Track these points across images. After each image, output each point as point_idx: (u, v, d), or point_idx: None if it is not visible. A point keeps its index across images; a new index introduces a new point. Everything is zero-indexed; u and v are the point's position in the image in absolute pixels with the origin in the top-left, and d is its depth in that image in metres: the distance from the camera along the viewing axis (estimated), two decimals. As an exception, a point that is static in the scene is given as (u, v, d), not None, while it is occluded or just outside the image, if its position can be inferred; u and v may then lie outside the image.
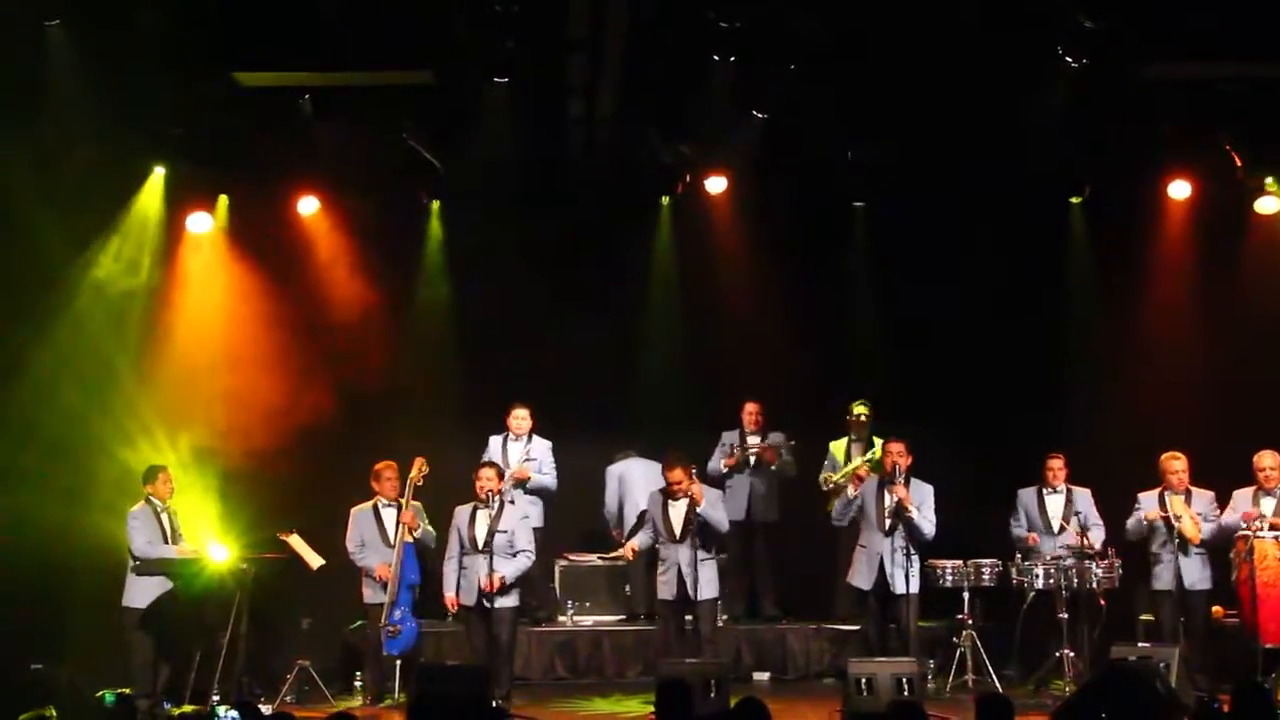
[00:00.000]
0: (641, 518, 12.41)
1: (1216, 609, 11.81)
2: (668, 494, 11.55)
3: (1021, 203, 13.49)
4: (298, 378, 12.96)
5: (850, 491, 12.09)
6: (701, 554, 11.32)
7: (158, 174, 13.14)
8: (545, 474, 12.98)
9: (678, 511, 11.47)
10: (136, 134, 12.47)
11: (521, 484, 12.74)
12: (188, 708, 10.44)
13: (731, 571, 13.11)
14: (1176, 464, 11.65)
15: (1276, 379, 13.04)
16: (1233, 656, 11.41)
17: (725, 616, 12.91)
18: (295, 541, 11.68)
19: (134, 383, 12.72)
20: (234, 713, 7.79)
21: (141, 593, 11.50)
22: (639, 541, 11.87)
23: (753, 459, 13.38)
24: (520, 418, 12.99)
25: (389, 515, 11.86)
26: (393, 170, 13.35)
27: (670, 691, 7.99)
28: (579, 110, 13.36)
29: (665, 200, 14.22)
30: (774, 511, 13.53)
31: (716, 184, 13.83)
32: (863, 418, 13.35)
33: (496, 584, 11.11)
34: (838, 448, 13.39)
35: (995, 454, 13.06)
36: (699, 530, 11.34)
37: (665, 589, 11.51)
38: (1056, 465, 12.10)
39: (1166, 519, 11.50)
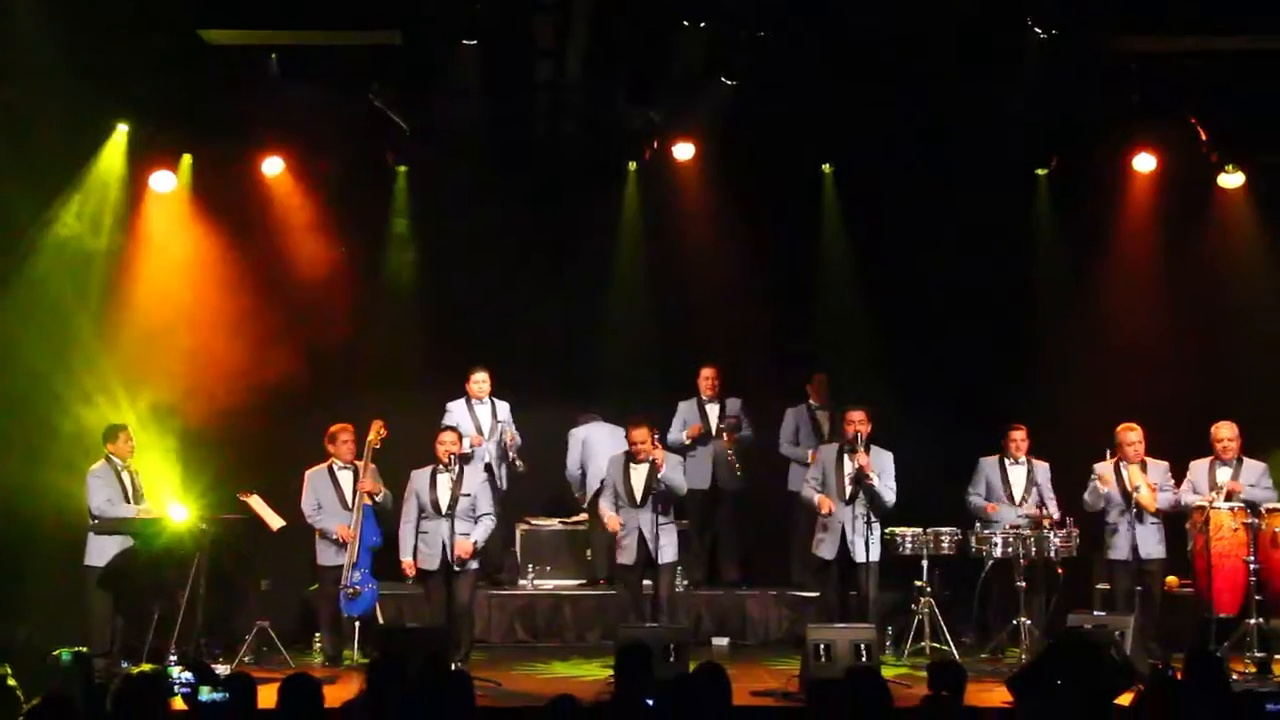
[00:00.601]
0: (603, 484, 12.43)
1: (1171, 579, 11.90)
2: (629, 457, 11.57)
3: (989, 173, 13.48)
4: (260, 338, 12.88)
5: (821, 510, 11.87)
6: (662, 518, 11.36)
7: (121, 131, 13.05)
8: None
9: (639, 476, 11.49)
10: (101, 91, 12.37)
11: (515, 449, 12.81)
12: (146, 667, 10.40)
13: (693, 538, 13.18)
14: (1132, 435, 11.69)
15: (1236, 352, 13.14)
16: (1187, 626, 11.50)
17: (685, 582, 12.97)
18: (255, 502, 11.67)
19: (95, 341, 12.66)
20: (188, 674, 7.76)
21: (101, 551, 11.48)
22: (614, 510, 11.75)
23: (714, 434, 13.44)
24: (480, 381, 13.00)
25: (345, 478, 11.85)
26: (359, 131, 13.26)
27: (630, 655, 8.01)
28: (547, 74, 13.31)
29: (632, 166, 14.20)
30: (737, 479, 13.57)
31: (684, 150, 13.80)
32: (820, 386, 13.47)
33: (470, 550, 11.15)
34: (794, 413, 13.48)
35: (957, 423, 13.09)
36: (659, 495, 11.38)
37: (625, 554, 11.52)
38: (1019, 436, 12.13)
39: (1124, 489, 11.57)
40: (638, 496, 11.45)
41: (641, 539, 11.37)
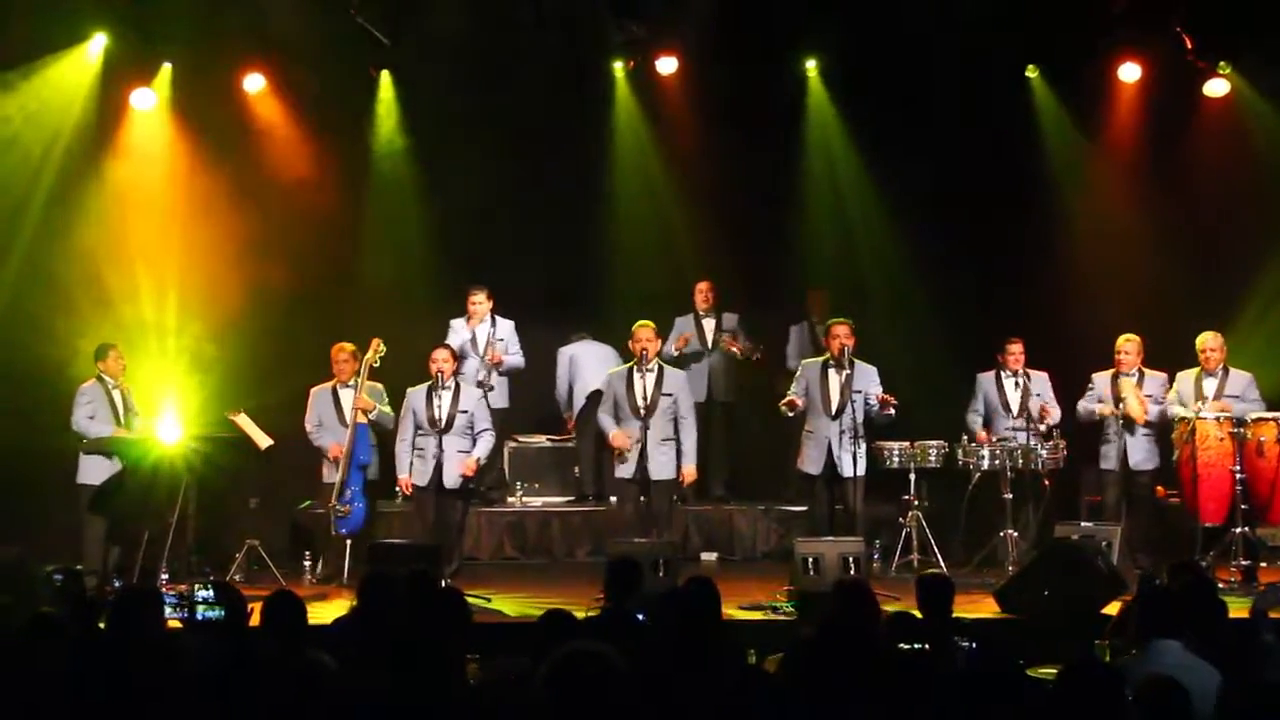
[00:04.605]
0: (595, 399, 12.39)
1: (1158, 489, 11.95)
2: (632, 370, 11.48)
3: (977, 76, 13.33)
4: (253, 258, 12.85)
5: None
6: (661, 434, 11.33)
7: (98, 40, 12.91)
8: (514, 354, 12.94)
9: (642, 388, 11.39)
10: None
11: (496, 367, 12.72)
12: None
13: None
14: (1130, 345, 11.70)
15: (1225, 261, 13.09)
16: (1174, 535, 11.57)
17: (675, 498, 12.97)
18: (243, 421, 11.62)
19: (78, 259, 12.66)
20: (209, 591, 7.76)
21: (92, 471, 11.48)
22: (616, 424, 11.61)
23: (711, 342, 13.40)
24: (478, 301, 12.90)
25: (346, 396, 11.81)
26: (342, 43, 13.10)
27: (621, 569, 8.04)
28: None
29: (619, 72, 13.99)
30: (731, 392, 13.57)
31: (667, 64, 13.70)
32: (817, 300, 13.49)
33: (473, 468, 11.18)
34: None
35: (944, 335, 13.10)
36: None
37: (625, 468, 11.41)
38: (1016, 350, 12.00)
39: (1117, 398, 11.59)
40: (641, 409, 11.37)
41: (643, 452, 11.29)
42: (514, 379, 13.09)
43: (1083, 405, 11.87)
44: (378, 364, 11.76)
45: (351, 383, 11.77)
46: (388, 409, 11.88)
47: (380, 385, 11.92)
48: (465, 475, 11.22)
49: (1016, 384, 11.97)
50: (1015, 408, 11.99)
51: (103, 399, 11.66)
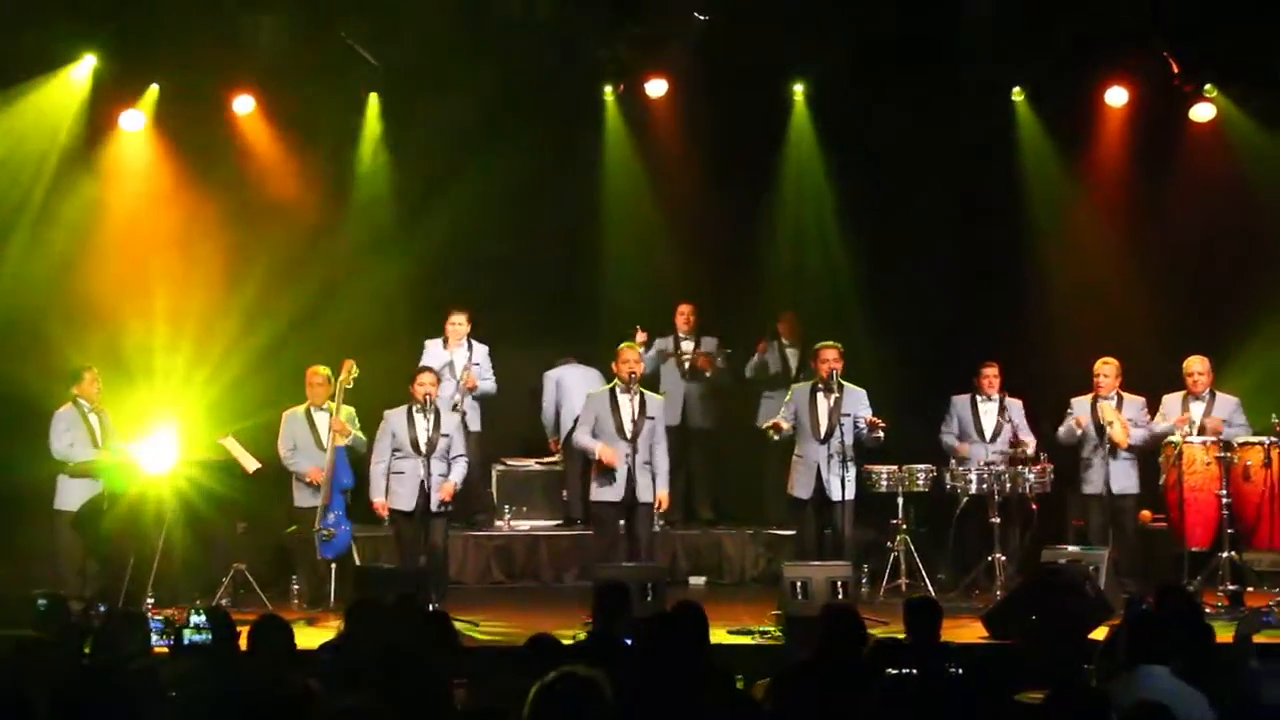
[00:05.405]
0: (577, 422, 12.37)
1: (1145, 513, 11.95)
2: (615, 391, 11.42)
3: (959, 105, 13.35)
4: (240, 280, 12.86)
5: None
6: (644, 456, 11.27)
7: (87, 62, 12.87)
8: (486, 379, 12.87)
9: (628, 409, 11.33)
10: (69, 19, 12.35)
11: (471, 392, 12.68)
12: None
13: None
14: (1108, 369, 11.74)
15: (1209, 286, 13.12)
16: (1161, 560, 11.58)
17: (661, 522, 12.94)
18: (231, 444, 11.59)
19: (61, 281, 12.65)
20: (201, 617, 7.74)
21: (69, 496, 11.44)
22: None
23: (688, 364, 13.41)
24: (458, 324, 12.84)
25: (321, 419, 11.75)
26: (330, 65, 13.11)
27: (609, 594, 8.01)
28: (518, 11, 13.17)
29: (609, 96, 14.02)
30: (709, 419, 13.56)
31: (656, 87, 13.71)
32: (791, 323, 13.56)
33: (451, 492, 11.16)
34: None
35: (929, 359, 13.10)
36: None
37: (613, 490, 11.24)
38: (991, 373, 12.10)
39: (1098, 424, 11.61)
40: (627, 431, 11.26)
41: (629, 475, 11.13)
42: (486, 404, 13.01)
43: (1063, 430, 11.89)
44: (350, 385, 11.71)
45: (325, 406, 11.73)
46: (359, 433, 11.83)
47: (352, 409, 11.86)
48: (444, 499, 11.17)
49: (1000, 408, 12.00)
50: (989, 433, 12.04)
51: (80, 424, 11.60)
